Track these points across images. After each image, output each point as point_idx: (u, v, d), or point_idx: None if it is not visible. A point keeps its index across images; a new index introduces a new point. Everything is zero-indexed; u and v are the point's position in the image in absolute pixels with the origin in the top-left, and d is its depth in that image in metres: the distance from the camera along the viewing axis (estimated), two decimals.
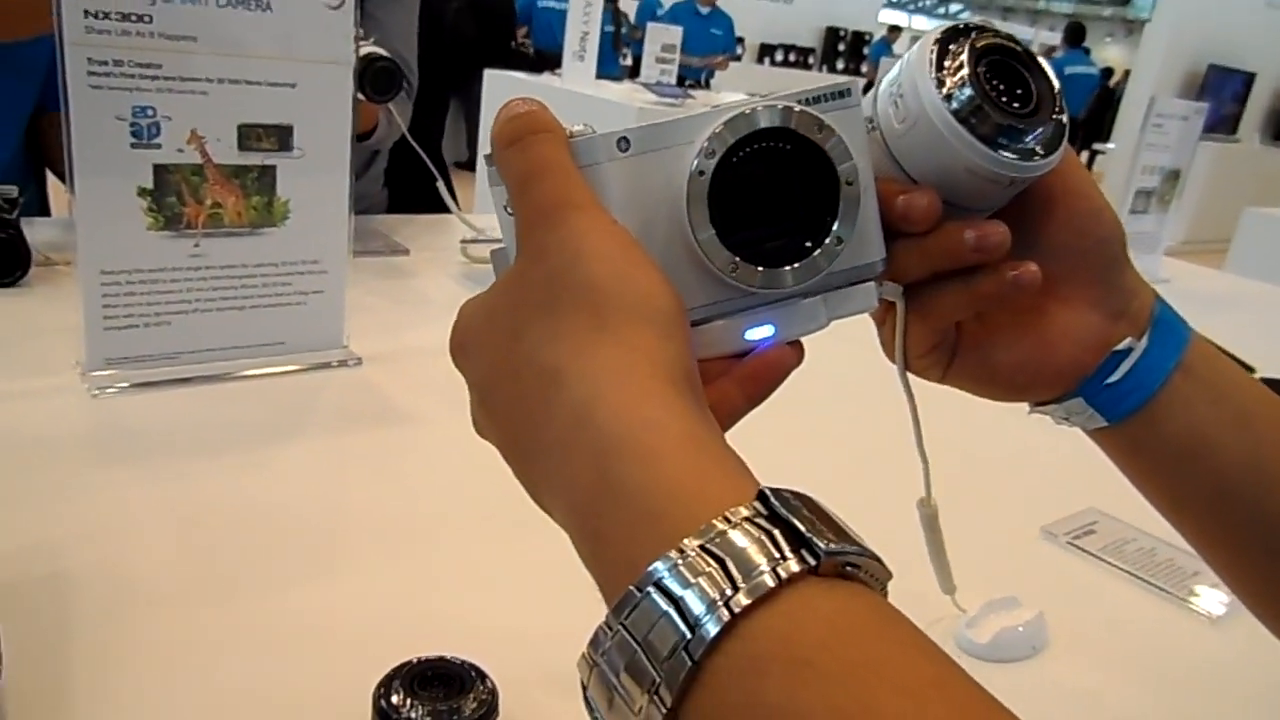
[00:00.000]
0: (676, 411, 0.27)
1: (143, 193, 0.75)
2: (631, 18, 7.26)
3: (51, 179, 1.40)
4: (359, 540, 0.64)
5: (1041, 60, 0.36)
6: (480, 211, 1.69)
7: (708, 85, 6.62)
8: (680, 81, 5.08)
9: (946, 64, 0.34)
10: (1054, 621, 0.63)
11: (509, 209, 0.32)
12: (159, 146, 0.74)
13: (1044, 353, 0.37)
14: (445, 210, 1.35)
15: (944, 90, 0.34)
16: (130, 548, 0.60)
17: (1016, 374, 0.38)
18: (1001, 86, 0.35)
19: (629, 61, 6.85)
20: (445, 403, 0.87)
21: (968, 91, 0.34)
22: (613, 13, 5.82)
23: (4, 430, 0.71)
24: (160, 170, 0.75)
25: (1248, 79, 7.18)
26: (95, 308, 0.76)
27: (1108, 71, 10.36)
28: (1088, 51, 7.57)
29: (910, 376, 0.40)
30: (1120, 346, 0.36)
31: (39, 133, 1.30)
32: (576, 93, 3.99)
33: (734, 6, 7.60)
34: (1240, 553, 0.37)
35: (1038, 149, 0.34)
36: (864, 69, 10.60)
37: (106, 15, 0.69)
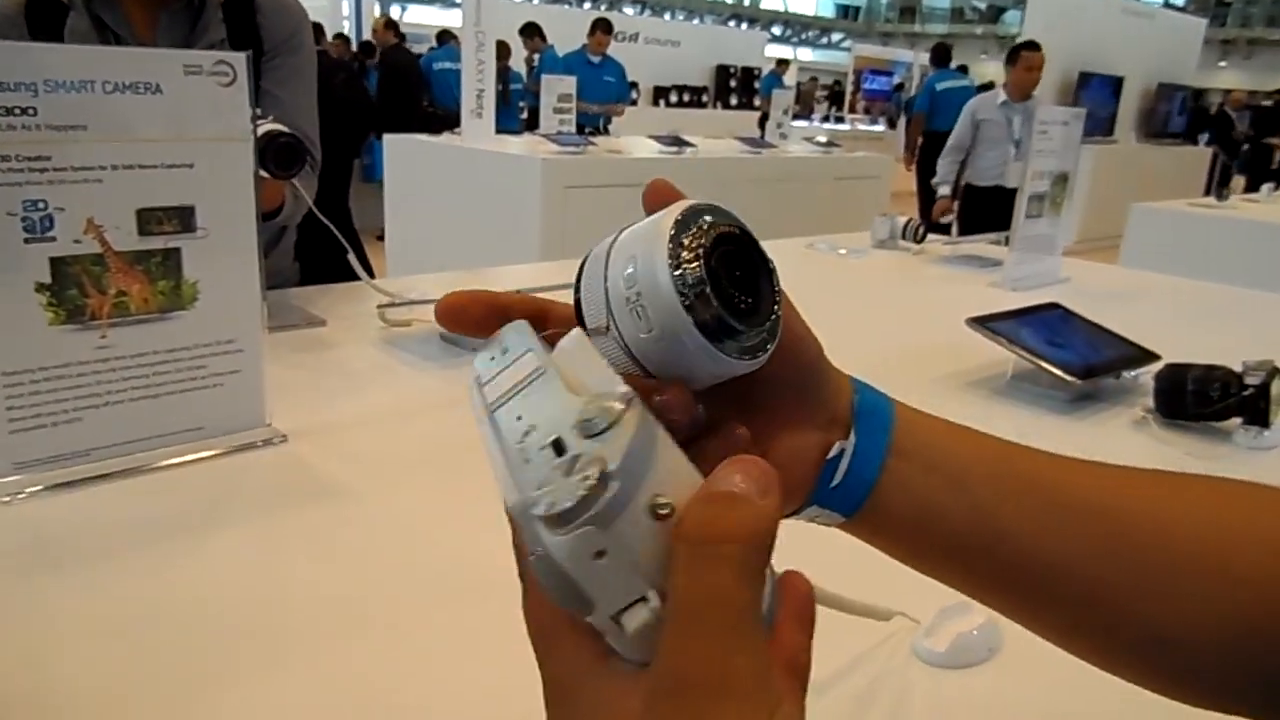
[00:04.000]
0: None
1: (41, 288, 0.72)
2: (524, 75, 7.34)
3: None
4: (305, 625, 0.62)
5: (760, 245, 0.34)
6: (394, 276, 1.68)
7: (606, 131, 6.70)
8: (580, 129, 5.14)
9: (684, 258, 0.31)
10: (1005, 622, 0.64)
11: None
12: (54, 239, 0.72)
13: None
14: (358, 277, 1.34)
15: (685, 303, 0.31)
16: (64, 660, 0.56)
17: None
18: (733, 289, 0.32)
19: (525, 115, 6.91)
20: (378, 474, 0.85)
21: (710, 311, 0.31)
22: (502, 71, 5.87)
23: None
24: (58, 263, 0.72)
25: (1117, 82, 7.58)
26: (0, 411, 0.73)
27: (987, 86, 10.81)
28: (964, 69, 7.89)
29: None
30: (832, 454, 0.37)
31: None
32: (478, 150, 4.00)
33: (624, 52, 7.74)
34: (993, 596, 0.39)
35: (762, 344, 0.33)
36: (757, 102, 10.89)
37: None
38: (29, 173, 0.69)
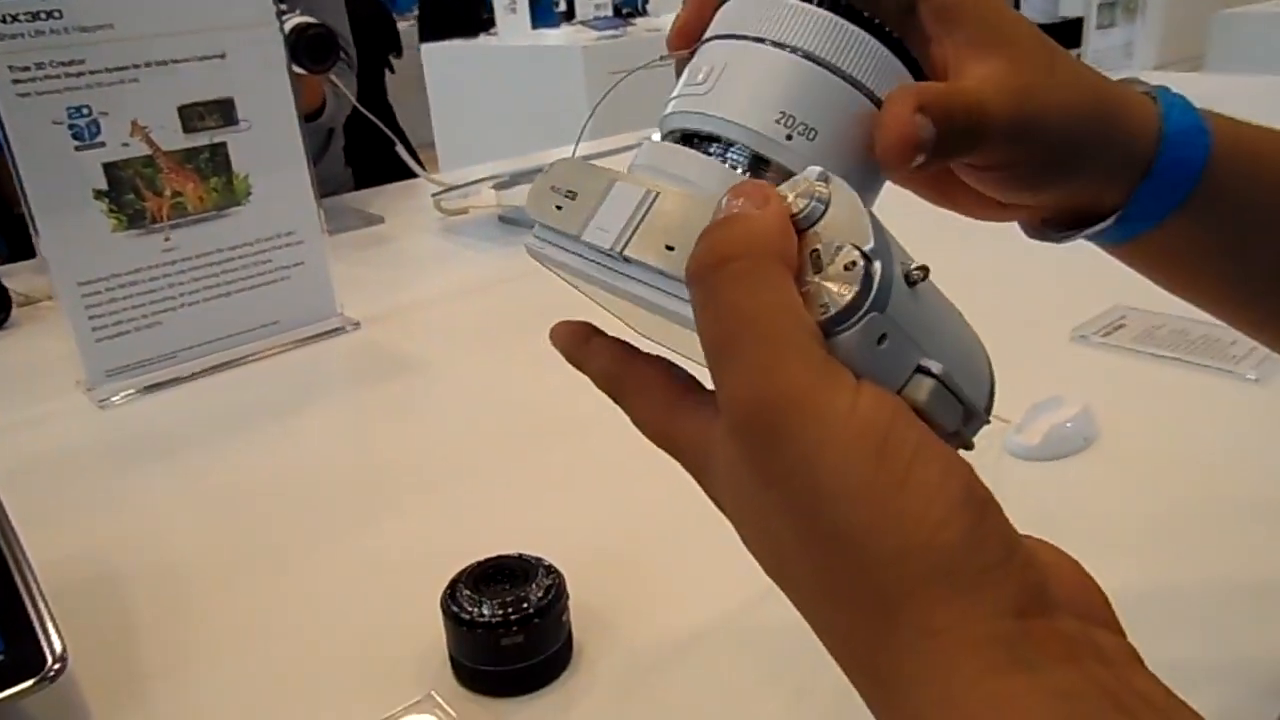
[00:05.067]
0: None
1: (99, 195, 0.73)
2: None
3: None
4: (396, 482, 0.64)
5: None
6: (444, 170, 1.69)
7: (644, 11, 6.48)
8: (617, 11, 4.98)
9: None
10: (1101, 414, 0.62)
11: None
12: (103, 144, 0.72)
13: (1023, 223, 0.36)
14: (411, 176, 1.33)
15: None
16: (175, 539, 0.59)
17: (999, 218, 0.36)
18: None
19: (563, 8, 6.70)
20: (449, 347, 0.86)
21: None
22: None
23: (24, 456, 0.70)
24: (111, 168, 0.73)
25: None
26: (82, 321, 0.75)
27: None
28: None
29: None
30: (1094, 230, 0.33)
31: None
32: (516, 46, 3.92)
33: None
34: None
35: None
36: None
37: (15, 18, 0.67)
38: (66, 78, 0.69)
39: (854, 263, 0.22)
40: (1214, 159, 0.32)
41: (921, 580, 0.20)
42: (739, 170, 0.27)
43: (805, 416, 0.21)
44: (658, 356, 0.28)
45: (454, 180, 1.32)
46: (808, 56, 0.27)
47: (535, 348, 0.81)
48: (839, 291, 0.22)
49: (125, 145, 0.73)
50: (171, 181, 0.76)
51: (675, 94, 0.29)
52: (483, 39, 4.35)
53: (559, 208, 0.28)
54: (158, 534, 0.60)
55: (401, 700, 0.42)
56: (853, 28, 0.27)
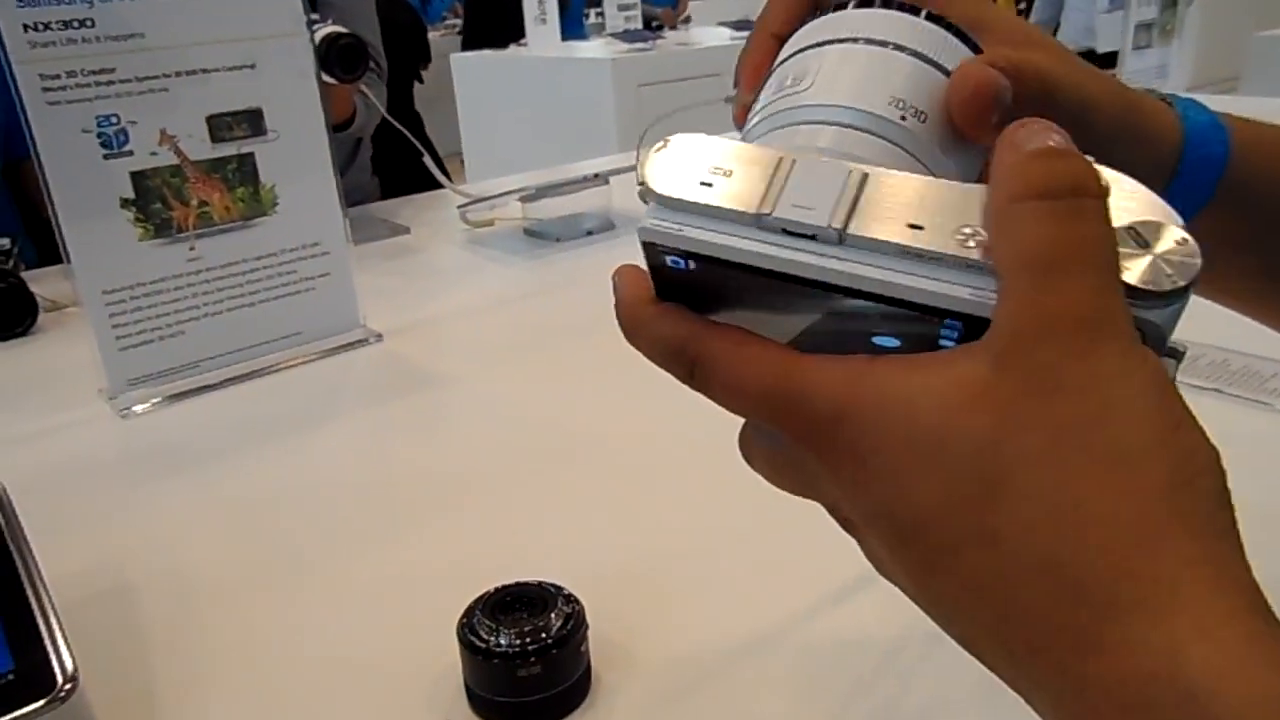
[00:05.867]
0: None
1: (126, 203, 0.73)
2: None
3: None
4: (415, 500, 0.63)
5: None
6: (472, 181, 1.69)
7: (674, 26, 6.49)
8: (647, 24, 5.00)
9: None
10: None
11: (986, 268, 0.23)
12: (131, 153, 0.72)
13: None
14: (438, 187, 1.33)
15: None
16: (191, 550, 0.58)
17: None
18: None
19: (593, 20, 6.72)
20: (473, 361, 0.85)
21: None
22: None
23: (45, 465, 0.70)
24: (138, 177, 0.73)
25: None
26: (106, 330, 0.75)
27: None
28: None
29: None
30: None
31: (21, 183, 1.30)
32: (546, 58, 3.93)
33: None
34: None
35: None
36: None
37: (47, 26, 0.67)
38: (96, 87, 0.69)
39: (1185, 239, 0.23)
40: (1234, 155, 0.34)
41: (1186, 514, 0.21)
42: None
43: (1124, 341, 0.22)
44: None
45: (480, 192, 1.32)
46: (902, 50, 0.27)
47: (559, 363, 0.81)
48: (1183, 264, 0.22)
49: (153, 154, 0.73)
50: (198, 191, 0.76)
51: (765, 102, 0.28)
52: (512, 50, 4.37)
53: (707, 184, 0.25)
54: (174, 547, 0.59)
55: None
56: (934, 27, 0.28)
